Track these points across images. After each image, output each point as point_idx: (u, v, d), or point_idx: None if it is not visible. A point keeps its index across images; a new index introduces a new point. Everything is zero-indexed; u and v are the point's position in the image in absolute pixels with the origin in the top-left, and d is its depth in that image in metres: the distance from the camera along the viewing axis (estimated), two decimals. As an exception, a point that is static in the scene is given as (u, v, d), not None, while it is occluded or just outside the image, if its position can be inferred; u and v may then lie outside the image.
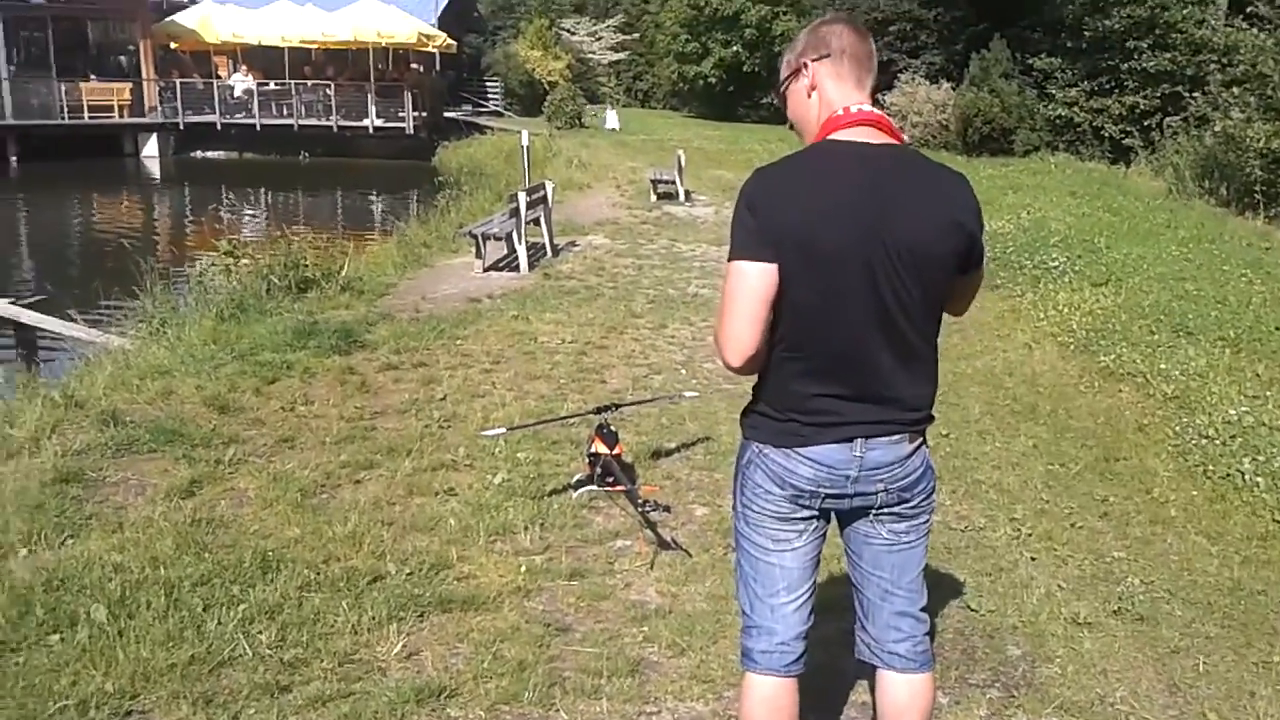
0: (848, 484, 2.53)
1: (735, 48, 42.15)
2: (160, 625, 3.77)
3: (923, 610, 2.75)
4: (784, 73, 2.63)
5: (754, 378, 2.60)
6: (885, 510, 2.62)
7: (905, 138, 2.64)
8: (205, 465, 5.35)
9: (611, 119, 35.04)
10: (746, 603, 2.71)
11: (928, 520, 2.71)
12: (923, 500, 2.65)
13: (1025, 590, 4.48)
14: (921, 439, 2.62)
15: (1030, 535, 5.03)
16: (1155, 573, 4.72)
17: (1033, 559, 4.80)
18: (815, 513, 2.61)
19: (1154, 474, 5.94)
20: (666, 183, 18.42)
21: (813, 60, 2.55)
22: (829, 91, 2.53)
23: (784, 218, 2.37)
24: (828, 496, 2.56)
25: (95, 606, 3.82)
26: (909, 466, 2.57)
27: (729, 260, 2.45)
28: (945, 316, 2.60)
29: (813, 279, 2.38)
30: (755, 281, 2.39)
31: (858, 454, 2.50)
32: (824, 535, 2.68)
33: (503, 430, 5.71)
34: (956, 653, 3.96)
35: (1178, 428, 6.64)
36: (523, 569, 4.40)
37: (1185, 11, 21.40)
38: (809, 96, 2.57)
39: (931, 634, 2.82)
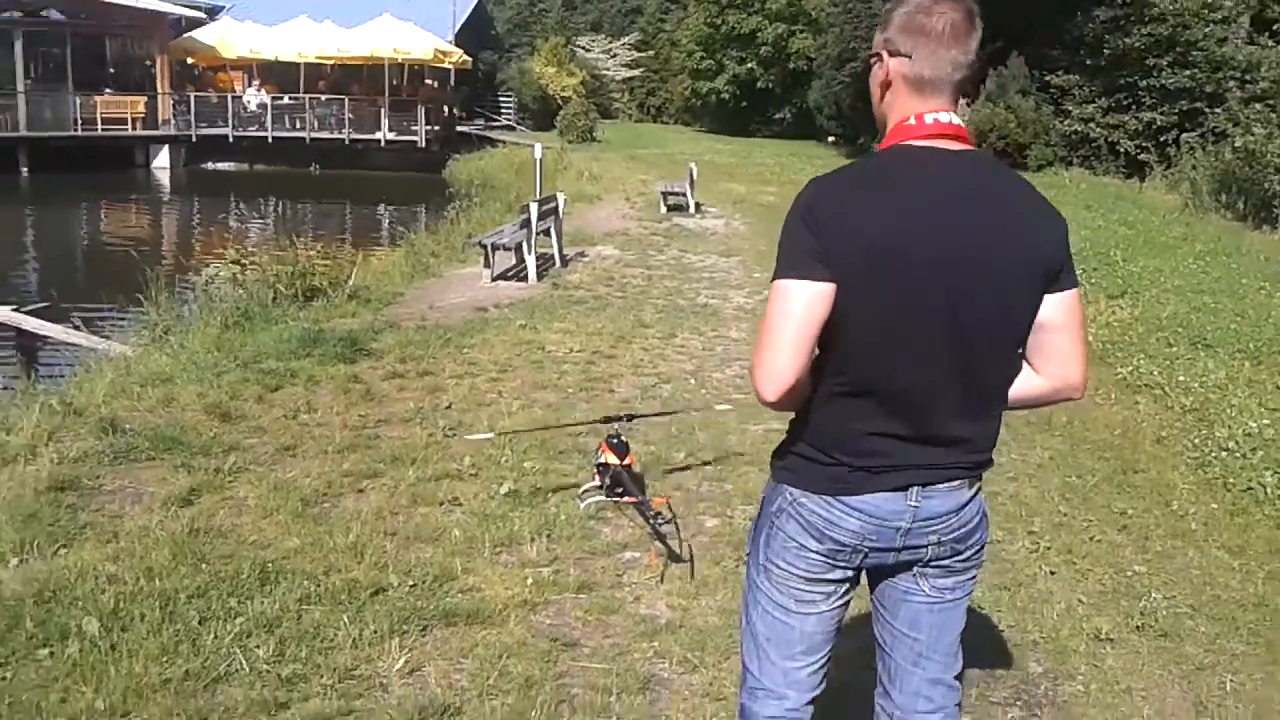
0: (897, 537, 2.22)
1: (750, 64, 42.24)
2: (154, 639, 3.64)
3: (957, 678, 2.43)
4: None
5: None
6: (933, 564, 2.30)
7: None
8: (204, 474, 5.23)
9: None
10: (754, 662, 2.41)
11: (975, 575, 2.39)
12: (975, 553, 2.33)
13: (1045, 605, 4.36)
14: (979, 484, 2.30)
15: (1049, 548, 4.91)
16: (1177, 587, 4.60)
17: (1052, 573, 4.67)
18: (851, 572, 2.30)
19: (1173, 487, 5.82)
20: (677, 194, 18.37)
21: (889, 53, 2.16)
22: (901, 93, 2.16)
23: (847, 230, 2.04)
24: (872, 551, 2.24)
25: (87, 619, 3.69)
26: (965, 515, 2.26)
27: (774, 279, 2.11)
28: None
29: (879, 301, 2.07)
30: (804, 304, 2.05)
31: (913, 503, 2.19)
32: (850, 598, 2.38)
33: (490, 435, 5.61)
34: (977, 669, 3.83)
35: (1196, 440, 6.53)
36: (529, 581, 4.28)
37: (1207, 30, 21.29)
38: (882, 94, 2.21)
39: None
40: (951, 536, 2.26)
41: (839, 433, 2.18)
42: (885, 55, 2.17)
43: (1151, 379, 7.73)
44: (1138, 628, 4.21)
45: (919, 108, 2.13)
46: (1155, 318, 9.41)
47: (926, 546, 2.25)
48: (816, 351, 2.15)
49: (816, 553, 2.25)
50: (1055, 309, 2.18)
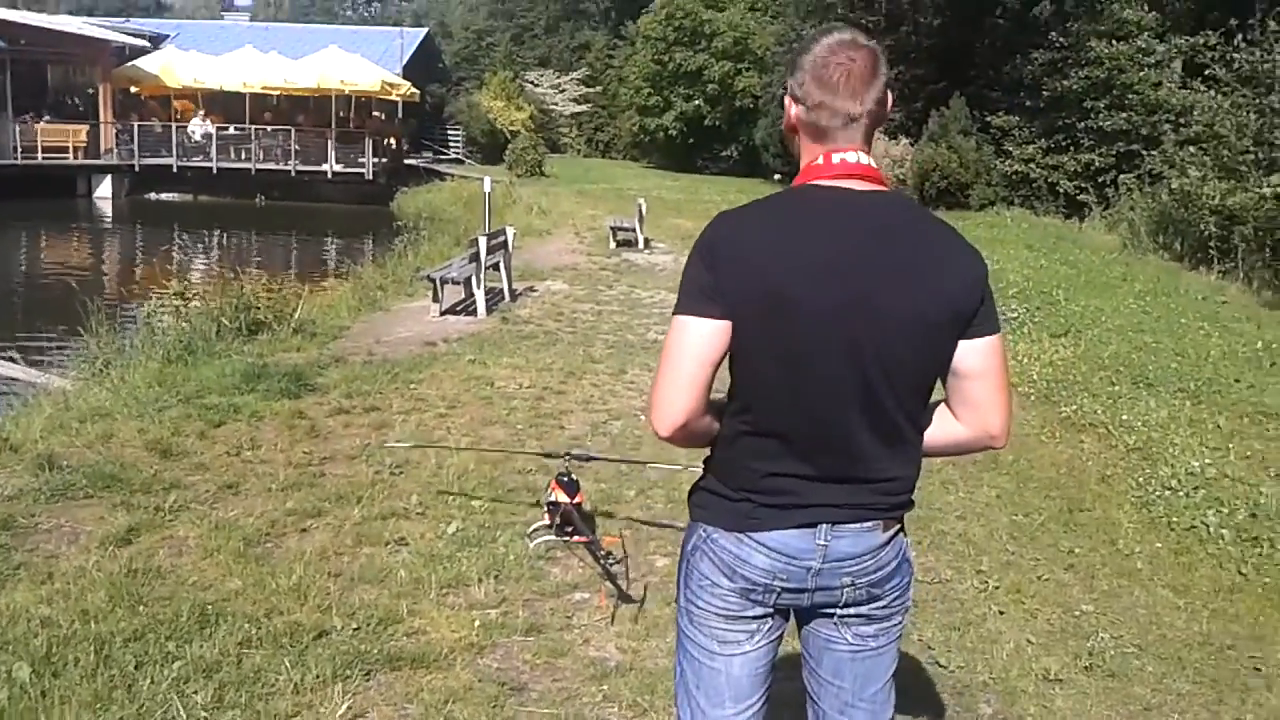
0: (808, 577, 2.17)
1: (697, 101, 42.68)
2: (88, 685, 3.53)
3: None
4: None
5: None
6: (851, 610, 2.25)
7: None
8: (144, 512, 5.11)
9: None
10: (687, 713, 2.32)
11: (901, 622, 2.32)
12: (896, 599, 2.27)
13: (994, 645, 4.36)
14: (898, 527, 2.25)
15: (998, 588, 4.93)
16: (1124, 627, 4.63)
17: (1001, 612, 4.68)
18: (770, 610, 2.23)
19: (1118, 525, 5.87)
20: (626, 230, 18.42)
21: (793, 99, 2.17)
22: (806, 137, 2.17)
23: (745, 268, 2.04)
24: (784, 591, 2.19)
25: (18, 665, 3.58)
26: (881, 559, 2.20)
27: (673, 313, 2.12)
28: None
29: (778, 341, 2.05)
30: (698, 340, 2.06)
31: (822, 542, 2.14)
32: (780, 637, 2.30)
33: (409, 444, 5.46)
34: (926, 711, 3.82)
35: (1140, 479, 6.60)
36: (476, 624, 4.21)
37: (1142, 74, 21.73)
38: (793, 135, 2.21)
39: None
40: (867, 580, 2.20)
41: (745, 471, 2.16)
42: (789, 101, 2.18)
43: (1095, 418, 7.81)
44: (1086, 668, 4.22)
45: (827, 149, 2.13)
46: (1098, 357, 9.54)
47: (841, 589, 2.20)
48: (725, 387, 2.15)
49: (730, 590, 2.20)
50: (972, 356, 2.13)
